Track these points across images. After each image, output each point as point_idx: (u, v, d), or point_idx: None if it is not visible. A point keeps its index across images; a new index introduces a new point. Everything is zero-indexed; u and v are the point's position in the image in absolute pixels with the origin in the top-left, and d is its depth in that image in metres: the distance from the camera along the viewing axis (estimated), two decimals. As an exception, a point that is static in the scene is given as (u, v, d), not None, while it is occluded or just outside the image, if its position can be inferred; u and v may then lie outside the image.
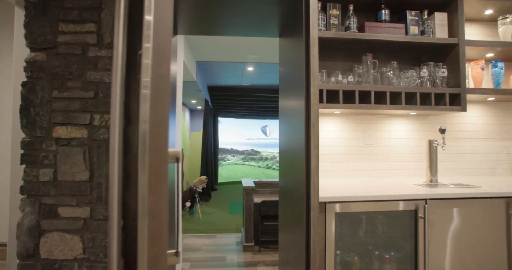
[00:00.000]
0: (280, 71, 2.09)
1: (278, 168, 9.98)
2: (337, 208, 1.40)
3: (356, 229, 1.49)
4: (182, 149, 8.04)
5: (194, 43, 4.32)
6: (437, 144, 1.79)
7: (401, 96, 1.78)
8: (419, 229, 1.44)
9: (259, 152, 10.37)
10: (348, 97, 1.78)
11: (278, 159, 10.11)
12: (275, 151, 10.41)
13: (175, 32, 2.11)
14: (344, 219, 1.45)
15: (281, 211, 2.04)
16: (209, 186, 7.28)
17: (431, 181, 1.80)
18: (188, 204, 5.51)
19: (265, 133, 10.38)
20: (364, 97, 1.78)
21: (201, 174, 6.93)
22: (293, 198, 1.64)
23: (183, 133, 7.98)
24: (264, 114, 9.51)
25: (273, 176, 10.14)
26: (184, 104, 8.23)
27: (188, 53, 4.44)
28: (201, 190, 5.80)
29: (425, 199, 1.46)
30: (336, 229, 1.41)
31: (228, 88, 7.38)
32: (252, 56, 4.77)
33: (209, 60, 5.03)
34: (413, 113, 1.99)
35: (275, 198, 4.29)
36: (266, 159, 10.35)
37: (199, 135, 9.00)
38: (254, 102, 7.94)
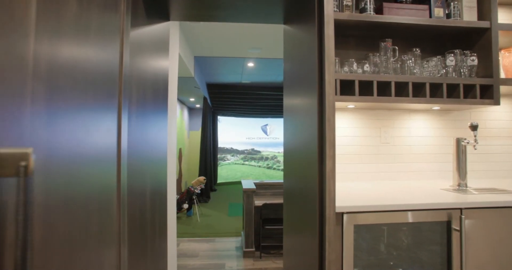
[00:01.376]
0: (285, 65, 1.85)
1: (279, 168, 9.77)
2: (357, 219, 1.16)
3: (377, 243, 1.25)
4: (180, 149, 7.80)
5: (191, 37, 4.08)
6: (467, 142, 1.55)
7: (425, 87, 1.54)
8: (453, 244, 1.21)
9: (259, 151, 10.13)
10: (364, 89, 1.54)
11: (279, 159, 9.90)
12: (276, 150, 10.17)
13: (167, 18, 1.87)
14: (363, 231, 1.21)
15: (286, 214, 1.81)
16: (208, 187, 7.05)
17: (459, 185, 1.57)
18: (185, 206, 5.28)
19: (265, 132, 10.15)
20: (382, 89, 1.55)
21: (200, 174, 6.70)
22: (301, 202, 1.41)
23: (181, 132, 7.74)
24: (265, 113, 9.28)
25: (274, 176, 9.91)
26: (182, 102, 7.99)
27: (185, 48, 4.20)
28: (199, 191, 5.56)
29: (460, 208, 1.22)
30: (355, 244, 1.17)
31: (227, 85, 7.15)
32: (253, 51, 4.53)
33: (207, 55, 4.79)
34: (436, 108, 1.75)
35: (277, 200, 4.06)
36: (267, 158, 10.11)
37: (198, 134, 8.76)
38: (255, 100, 7.70)
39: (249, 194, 3.74)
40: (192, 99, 7.49)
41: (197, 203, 5.60)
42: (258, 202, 3.93)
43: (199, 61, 5.10)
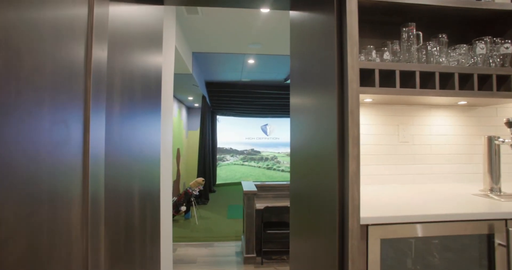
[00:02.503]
0: (292, 59, 1.66)
1: (279, 168, 9.57)
2: (384, 232, 0.97)
3: (404, 260, 1.06)
4: (178, 149, 7.60)
5: (189, 32, 3.89)
6: (502, 142, 1.36)
7: (452, 78, 1.35)
8: (496, 262, 1.02)
9: (259, 152, 9.94)
10: (383, 81, 1.35)
11: (279, 159, 9.70)
12: (276, 151, 9.98)
13: (161, 2, 1.68)
14: (389, 246, 1.01)
15: (294, 218, 1.62)
16: (206, 188, 6.85)
17: (492, 189, 1.38)
18: (183, 208, 5.08)
19: (265, 132, 9.96)
20: (404, 80, 1.35)
21: (198, 175, 6.51)
22: (313, 208, 1.22)
23: (179, 131, 7.54)
24: (265, 113, 9.09)
25: (274, 177, 9.72)
26: (180, 101, 7.80)
27: (183, 43, 4.01)
28: (197, 193, 5.37)
29: (505, 219, 1.03)
30: (381, 261, 0.98)
31: (227, 84, 6.96)
32: (253, 46, 4.34)
33: (206, 51, 4.60)
34: (462, 102, 1.56)
35: (280, 203, 3.87)
36: (267, 159, 9.92)
37: (196, 134, 8.56)
38: (254, 99, 7.52)
39: (249, 196, 3.55)
40: (190, 98, 7.30)
41: (195, 205, 5.40)
42: (259, 205, 3.73)
43: (198, 57, 4.91)
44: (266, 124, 9.93)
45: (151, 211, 1.42)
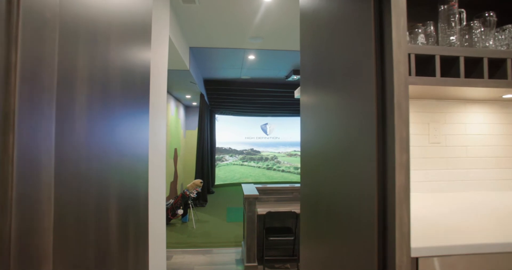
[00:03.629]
0: (304, 52, 1.41)
1: (279, 169, 9.30)
2: (440, 266, 0.72)
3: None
4: (176, 149, 7.35)
5: (186, 25, 3.64)
6: None
7: (503, 66, 1.10)
8: None
9: (259, 152, 9.69)
10: (418, 68, 1.10)
11: (279, 159, 9.44)
12: (276, 150, 9.74)
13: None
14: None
15: (305, 224, 1.38)
16: (205, 189, 6.60)
17: (549, 201, 1.13)
18: (180, 211, 4.83)
19: (265, 131, 9.71)
20: (446, 68, 1.10)
21: (196, 176, 6.25)
22: (337, 226, 0.97)
23: (176, 131, 7.28)
24: (265, 111, 8.84)
25: (274, 177, 9.47)
26: (178, 100, 7.53)
27: (179, 37, 3.75)
28: (195, 195, 5.11)
29: None
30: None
31: (226, 81, 6.70)
32: (254, 41, 4.08)
33: (204, 46, 4.34)
34: (508, 95, 1.32)
35: (283, 208, 3.62)
36: (267, 159, 9.67)
37: (194, 133, 8.31)
38: (254, 97, 7.26)
39: (251, 201, 3.30)
40: (188, 96, 7.03)
41: (193, 208, 5.15)
42: (261, 209, 3.48)
43: (195, 52, 4.65)
44: (266, 123, 9.68)
45: (135, 217, 1.17)
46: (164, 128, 2.28)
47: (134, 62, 1.17)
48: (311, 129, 1.29)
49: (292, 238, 3.37)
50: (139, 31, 1.24)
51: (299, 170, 9.76)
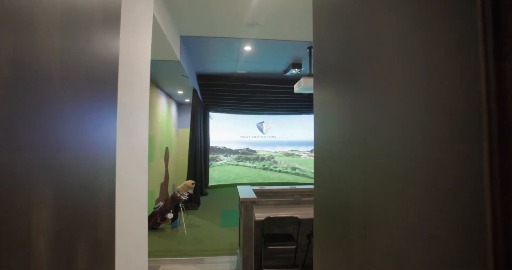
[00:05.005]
0: (321, 39, 1.03)
1: (275, 169, 8.95)
2: None
3: None
4: (167, 148, 6.95)
5: (176, 11, 3.26)
6: None
7: None
8: None
9: (254, 151, 9.34)
10: None
11: (275, 159, 9.08)
12: (273, 150, 9.39)
13: None
14: None
15: (319, 230, 1.01)
16: (197, 191, 6.22)
17: None
18: (170, 215, 4.44)
19: (261, 130, 9.36)
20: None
21: (189, 176, 5.87)
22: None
23: (168, 129, 6.89)
24: (261, 109, 8.49)
25: (271, 178, 9.12)
26: (169, 96, 7.14)
27: (168, 23, 3.37)
28: (187, 198, 4.74)
29: None
30: None
31: (220, 76, 6.33)
32: (251, 29, 3.72)
33: (196, 35, 3.97)
34: None
35: (283, 212, 3.27)
36: (263, 159, 9.32)
37: (187, 132, 7.92)
38: (250, 94, 6.91)
39: (247, 205, 2.94)
40: (180, 92, 6.64)
41: (184, 211, 4.77)
42: (259, 215, 3.13)
43: (187, 42, 4.27)
44: (262, 122, 9.33)
45: (93, 226, 0.84)
46: (145, 126, 1.92)
47: (94, 52, 0.83)
48: (330, 125, 0.92)
49: (294, 246, 3.02)
50: (100, 18, 0.88)
51: (296, 171, 9.45)
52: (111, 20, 1.05)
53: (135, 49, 1.69)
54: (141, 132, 1.82)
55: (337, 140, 0.87)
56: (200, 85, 6.37)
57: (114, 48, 1.08)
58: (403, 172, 0.49)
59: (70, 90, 0.77)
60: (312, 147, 9.42)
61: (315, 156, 1.09)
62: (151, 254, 3.61)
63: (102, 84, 0.96)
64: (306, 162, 9.38)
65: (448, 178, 0.38)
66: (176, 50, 3.81)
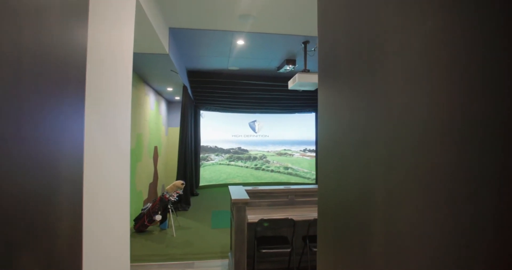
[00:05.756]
0: (328, 33, 0.86)
1: (268, 169, 8.79)
2: None
3: None
4: (156, 147, 6.72)
5: (166, 2, 3.07)
6: None
7: None
8: None
9: (246, 150, 9.16)
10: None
11: (268, 159, 8.92)
12: (265, 149, 9.23)
13: None
14: None
15: (322, 231, 0.85)
16: (187, 191, 6.01)
17: None
18: (158, 217, 4.23)
19: (253, 129, 9.19)
20: None
21: (178, 176, 5.65)
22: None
23: (157, 127, 6.65)
24: (253, 107, 8.32)
25: (263, 178, 8.96)
26: (159, 94, 6.90)
27: (155, 13, 3.17)
28: (176, 199, 4.53)
29: None
30: None
31: (211, 73, 6.13)
32: (244, 21, 3.55)
33: (186, 27, 3.77)
34: None
35: (276, 213, 3.11)
36: (255, 158, 9.15)
37: (178, 131, 7.70)
38: (242, 91, 6.73)
39: (240, 206, 2.76)
40: (170, 89, 6.42)
41: (173, 212, 4.57)
42: (252, 216, 2.96)
43: (176, 35, 4.07)
44: (255, 121, 9.16)
45: (47, 231, 0.65)
46: (127, 123, 1.73)
47: (54, 44, 0.66)
48: (343, 118, 0.76)
49: (289, 249, 2.86)
50: (59, 4, 0.72)
51: (289, 170, 9.31)
52: (76, 6, 0.87)
53: (114, 39, 1.50)
54: (121, 129, 1.62)
55: (347, 138, 0.71)
56: (190, 81, 6.17)
57: (80, 42, 0.91)
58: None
59: (38, 89, 0.60)
60: (304, 147, 9.29)
61: (319, 155, 0.93)
62: (137, 258, 3.40)
63: (63, 76, 0.79)
64: (298, 161, 9.25)
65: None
66: (164, 43, 3.61)
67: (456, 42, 0.32)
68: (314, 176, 8.84)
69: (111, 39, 1.44)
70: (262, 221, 2.82)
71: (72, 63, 0.88)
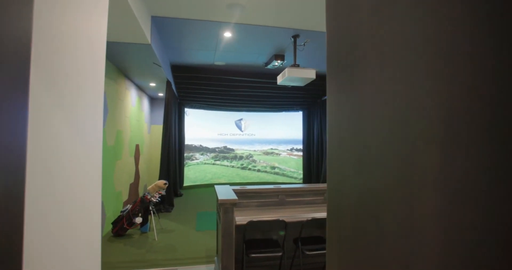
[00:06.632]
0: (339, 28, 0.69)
1: (254, 168, 8.59)
2: None
3: None
4: (138, 145, 6.39)
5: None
6: None
7: None
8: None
9: (232, 150, 8.94)
10: None
11: (254, 158, 8.73)
12: (252, 148, 9.03)
13: None
14: None
15: (332, 232, 0.68)
16: (171, 192, 5.73)
17: None
18: (138, 219, 3.96)
19: (240, 127, 8.98)
20: None
21: (161, 176, 5.37)
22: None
23: (139, 125, 6.33)
24: (240, 105, 8.12)
25: (249, 177, 8.76)
26: (141, 89, 6.58)
27: (137, 1, 2.92)
28: (158, 200, 4.26)
29: None
30: None
31: (196, 68, 5.87)
32: (232, 11, 3.34)
33: (170, 16, 3.52)
34: None
35: (267, 215, 2.91)
36: (241, 158, 8.94)
37: (161, 128, 7.39)
38: (229, 88, 6.50)
39: (227, 208, 2.55)
40: (152, 84, 6.12)
41: (155, 214, 4.29)
42: (240, 218, 2.75)
43: (159, 25, 3.81)
44: (241, 119, 8.95)
45: None
46: (98, 118, 1.49)
47: None
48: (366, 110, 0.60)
49: (280, 253, 2.67)
50: None
51: (276, 170, 9.15)
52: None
53: (81, 25, 1.26)
54: (89, 122, 1.38)
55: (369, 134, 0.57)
56: (174, 77, 5.89)
57: (24, 28, 0.69)
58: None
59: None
60: (292, 146, 9.16)
61: (328, 153, 0.79)
62: (115, 265, 3.12)
63: (10, 72, 0.58)
64: (285, 161, 9.10)
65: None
66: (146, 32, 3.35)
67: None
68: (301, 176, 8.72)
69: (73, 25, 1.19)
70: (251, 223, 2.62)
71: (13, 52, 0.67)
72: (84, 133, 1.31)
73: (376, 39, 0.49)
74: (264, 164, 9.03)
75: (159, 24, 3.76)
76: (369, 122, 0.62)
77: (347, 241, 0.63)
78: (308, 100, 7.92)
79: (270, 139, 9.12)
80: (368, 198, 0.53)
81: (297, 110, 8.83)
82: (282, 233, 2.73)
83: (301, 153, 8.87)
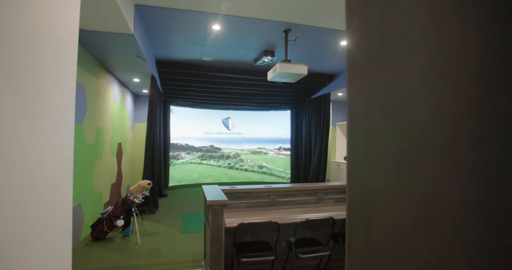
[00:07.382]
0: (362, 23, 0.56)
1: (242, 168, 8.41)
2: None
3: None
4: (120, 144, 6.10)
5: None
6: None
7: None
8: None
9: (219, 149, 8.73)
10: None
11: (242, 157, 8.54)
12: (239, 148, 8.85)
13: None
14: None
15: (352, 234, 0.54)
16: (155, 192, 5.48)
17: None
18: (120, 222, 3.71)
19: (227, 126, 8.78)
20: None
21: (144, 176, 5.12)
22: None
23: (122, 122, 6.04)
24: (227, 103, 7.93)
25: (236, 177, 8.58)
26: (123, 85, 6.28)
27: (118, -15, 2.69)
28: (141, 201, 4.03)
29: None
30: None
31: (183, 64, 5.64)
32: (221, 1, 3.16)
33: (155, 5, 3.31)
34: None
35: (258, 217, 2.75)
36: (228, 157, 8.75)
37: (145, 126, 7.10)
38: (216, 85, 6.30)
39: (216, 209, 2.38)
40: (136, 80, 5.84)
41: (137, 216, 4.05)
42: (230, 220, 2.58)
43: (143, 15, 3.58)
44: (228, 117, 8.76)
45: None
46: (69, 114, 1.30)
47: None
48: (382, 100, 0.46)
49: (272, 257, 2.51)
50: None
51: (263, 169, 8.99)
52: None
53: (46, 11, 1.07)
54: (55, 117, 1.18)
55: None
56: (159, 72, 5.64)
57: None
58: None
59: None
60: (279, 145, 9.03)
61: (348, 151, 0.67)
62: (93, 272, 2.89)
63: None
64: (273, 160, 8.97)
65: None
66: (129, 21, 3.12)
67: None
68: (289, 176, 8.61)
69: (35, 11, 1.00)
70: (242, 225, 2.45)
71: None
72: (48, 129, 1.11)
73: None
74: (252, 164, 8.87)
75: (144, 13, 3.54)
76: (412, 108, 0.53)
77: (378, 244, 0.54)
78: (296, 98, 7.81)
79: (257, 138, 8.97)
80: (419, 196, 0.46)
81: (285, 109, 8.72)
82: (293, 239, 2.60)
83: (289, 153, 8.76)
